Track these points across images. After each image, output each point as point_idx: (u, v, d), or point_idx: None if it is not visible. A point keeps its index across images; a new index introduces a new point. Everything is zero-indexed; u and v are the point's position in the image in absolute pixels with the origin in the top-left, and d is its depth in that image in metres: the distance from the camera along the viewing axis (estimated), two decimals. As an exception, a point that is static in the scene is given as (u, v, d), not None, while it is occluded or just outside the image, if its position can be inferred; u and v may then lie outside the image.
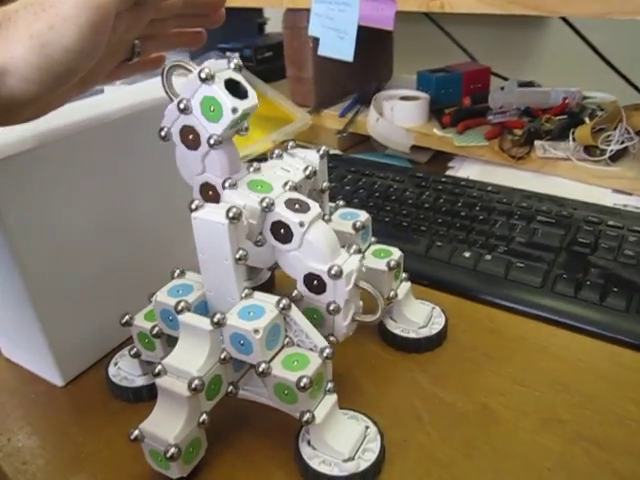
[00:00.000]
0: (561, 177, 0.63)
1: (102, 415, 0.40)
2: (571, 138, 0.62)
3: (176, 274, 0.38)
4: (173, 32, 0.42)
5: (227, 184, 0.35)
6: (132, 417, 0.39)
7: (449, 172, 0.71)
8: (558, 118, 0.66)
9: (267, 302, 0.34)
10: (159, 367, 0.33)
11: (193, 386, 0.32)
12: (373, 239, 0.45)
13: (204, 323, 0.33)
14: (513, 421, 0.37)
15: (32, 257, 0.38)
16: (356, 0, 0.69)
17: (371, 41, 0.75)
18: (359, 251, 0.37)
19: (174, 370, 0.33)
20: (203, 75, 0.32)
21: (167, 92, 0.35)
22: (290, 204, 0.35)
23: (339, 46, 0.73)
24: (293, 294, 0.36)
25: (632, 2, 0.52)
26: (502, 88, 0.72)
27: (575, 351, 0.43)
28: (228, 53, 0.98)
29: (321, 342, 0.34)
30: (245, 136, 0.89)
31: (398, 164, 0.76)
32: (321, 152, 0.41)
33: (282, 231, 0.35)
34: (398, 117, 0.73)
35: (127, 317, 0.38)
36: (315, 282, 0.36)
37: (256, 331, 0.32)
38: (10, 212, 0.36)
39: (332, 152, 0.80)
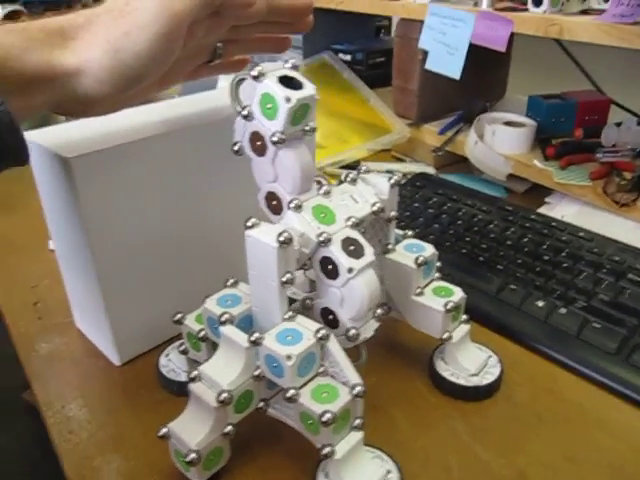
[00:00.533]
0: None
1: (147, 402, 0.42)
2: (687, 192, 0.56)
3: (229, 283, 0.39)
4: (258, 37, 0.42)
5: (292, 205, 0.35)
6: (173, 409, 0.40)
7: (544, 208, 0.66)
8: (677, 167, 0.59)
9: (307, 329, 0.34)
10: (195, 372, 0.35)
11: (221, 398, 0.33)
12: (437, 275, 0.44)
13: (242, 339, 0.34)
14: (549, 499, 0.35)
15: (104, 245, 0.41)
16: (472, 17, 0.67)
17: (486, 57, 0.71)
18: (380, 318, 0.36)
19: (207, 379, 0.34)
20: (255, 73, 0.33)
21: (234, 104, 0.36)
22: (346, 244, 0.34)
23: (447, 62, 0.71)
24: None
25: None
26: (618, 124, 0.66)
27: (638, 432, 0.39)
28: (323, 54, 0.97)
29: (354, 378, 0.34)
30: (342, 140, 0.89)
31: (491, 192, 0.73)
32: (392, 181, 0.40)
33: (330, 267, 0.35)
34: (499, 143, 0.70)
35: (179, 316, 0.40)
36: (331, 317, 0.36)
37: (289, 357, 0.32)
38: (88, 203, 0.39)
39: (424, 171, 0.78)
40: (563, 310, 0.47)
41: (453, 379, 0.42)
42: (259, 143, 0.35)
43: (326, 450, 0.33)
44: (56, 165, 0.38)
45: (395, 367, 0.45)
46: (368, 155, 0.80)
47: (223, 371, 0.34)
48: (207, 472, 0.35)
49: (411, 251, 0.42)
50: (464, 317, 0.43)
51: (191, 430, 0.34)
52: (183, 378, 0.42)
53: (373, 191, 0.40)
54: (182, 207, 0.45)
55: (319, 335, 0.33)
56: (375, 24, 1.13)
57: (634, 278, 0.50)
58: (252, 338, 0.33)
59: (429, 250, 0.42)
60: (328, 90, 0.90)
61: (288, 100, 0.33)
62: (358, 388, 0.33)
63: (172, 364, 0.44)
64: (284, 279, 0.33)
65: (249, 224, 0.34)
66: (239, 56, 0.44)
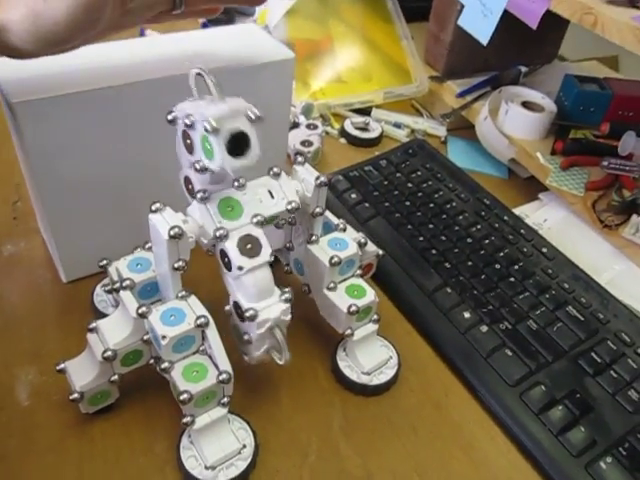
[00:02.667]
0: (636, 265, 0.54)
1: (76, 325, 0.45)
2: (670, 232, 0.52)
3: (146, 247, 0.41)
4: None
5: (199, 196, 0.36)
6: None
7: (533, 204, 0.64)
8: (676, 199, 0.55)
9: (192, 312, 0.37)
10: (93, 324, 0.38)
11: (105, 355, 0.37)
12: (359, 272, 0.45)
13: (132, 309, 0.37)
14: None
15: (48, 178, 0.43)
16: (513, -20, 0.60)
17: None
18: (287, 300, 0.37)
19: (101, 334, 0.38)
20: (208, 128, 0.32)
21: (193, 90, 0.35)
22: (243, 242, 0.36)
23: (479, 23, 0.65)
24: (226, 308, 0.39)
25: None
26: (642, 133, 0.61)
27: (498, 465, 0.41)
28: None
29: (223, 365, 0.37)
30: (364, 78, 0.86)
31: (493, 171, 0.70)
32: (318, 182, 0.40)
33: (226, 260, 0.36)
34: (509, 124, 0.65)
35: (104, 262, 0.43)
36: (238, 311, 0.37)
37: (164, 337, 0.35)
38: (32, 142, 0.41)
39: (435, 131, 0.75)
40: (484, 328, 0.48)
41: (347, 371, 0.45)
42: (189, 142, 0.35)
43: (186, 419, 0.37)
44: (4, 103, 0.40)
45: (304, 346, 0.47)
46: (384, 102, 0.76)
47: (115, 330, 0.38)
48: (93, 407, 0.40)
49: (333, 247, 0.43)
50: (375, 317, 0.45)
51: (80, 373, 0.38)
52: (109, 312, 0.47)
53: (296, 187, 0.40)
54: (129, 151, 0.46)
55: (198, 322, 0.36)
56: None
57: (571, 311, 0.49)
58: (140, 311, 0.36)
59: (351, 250, 0.43)
60: (369, 17, 0.85)
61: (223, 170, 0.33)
62: (224, 375, 0.36)
63: (103, 295, 0.48)
64: (175, 265, 0.36)
65: (153, 208, 0.36)
66: (203, 6, 0.43)
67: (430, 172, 0.63)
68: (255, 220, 0.37)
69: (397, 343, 0.47)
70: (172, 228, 0.34)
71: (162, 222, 0.35)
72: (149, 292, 0.41)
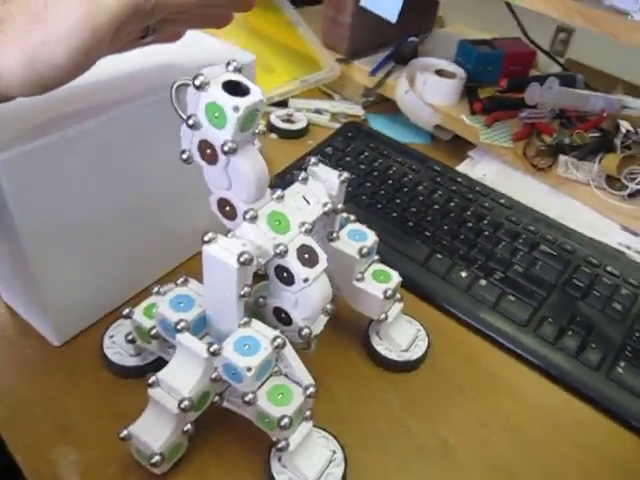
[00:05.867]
0: (576, 200, 0.62)
1: (93, 385, 0.42)
2: (597, 163, 0.60)
3: (179, 282, 0.39)
4: (196, 14, 0.39)
5: (248, 216, 0.35)
6: (122, 393, 0.42)
7: (467, 162, 0.70)
8: (590, 135, 0.64)
9: (264, 337, 0.35)
10: (153, 378, 0.35)
11: (182, 406, 0.34)
12: (376, 257, 0.46)
13: (200, 349, 0.35)
14: (467, 464, 0.41)
15: (33, 226, 0.38)
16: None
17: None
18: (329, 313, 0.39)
19: (166, 386, 0.35)
20: (197, 83, 0.31)
21: (177, 111, 0.34)
22: (301, 253, 0.35)
23: (384, 2, 0.68)
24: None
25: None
26: (542, 82, 0.69)
27: (539, 397, 0.46)
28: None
29: (306, 379, 0.36)
30: (268, 69, 0.85)
31: (417, 139, 0.74)
32: (342, 178, 0.40)
33: (285, 275, 0.36)
34: (429, 92, 0.70)
35: (127, 310, 0.40)
36: (283, 315, 0.38)
37: (249, 369, 0.34)
38: (14, 195, 0.36)
39: (353, 110, 0.77)
40: (483, 282, 0.52)
41: (386, 353, 0.46)
42: (209, 151, 0.34)
43: (281, 444, 0.36)
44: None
45: (332, 339, 0.48)
46: (302, 90, 0.77)
47: (182, 377, 0.35)
48: (168, 464, 0.37)
49: (354, 239, 0.44)
50: (398, 296, 0.47)
51: (153, 433, 0.35)
52: (131, 362, 0.43)
53: (323, 188, 0.40)
54: (117, 184, 0.42)
55: (275, 344, 0.35)
56: None
57: (545, 249, 0.55)
58: (211, 350, 0.34)
59: (371, 238, 0.44)
60: (255, 9, 0.83)
61: (236, 109, 0.31)
62: (311, 389, 0.36)
63: (117, 346, 0.44)
64: (242, 293, 0.34)
65: (206, 239, 0.33)
66: (174, 30, 0.40)
67: (376, 151, 0.65)
68: (304, 229, 0.37)
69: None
70: (242, 255, 0.32)
71: (223, 251, 0.33)
72: (197, 330, 0.38)
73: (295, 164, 0.63)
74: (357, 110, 0.78)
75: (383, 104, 0.78)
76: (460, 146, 0.72)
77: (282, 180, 0.61)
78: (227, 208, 0.36)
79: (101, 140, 0.39)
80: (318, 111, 0.76)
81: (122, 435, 0.36)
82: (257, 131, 0.34)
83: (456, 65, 0.73)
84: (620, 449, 0.43)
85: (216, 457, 0.39)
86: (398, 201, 0.59)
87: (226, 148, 0.32)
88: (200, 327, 0.38)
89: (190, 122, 0.33)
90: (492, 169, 0.67)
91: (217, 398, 0.38)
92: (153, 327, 0.39)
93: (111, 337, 0.44)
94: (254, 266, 0.34)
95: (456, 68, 0.72)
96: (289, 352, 0.36)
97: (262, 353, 0.34)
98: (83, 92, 0.39)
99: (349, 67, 0.78)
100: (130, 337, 0.41)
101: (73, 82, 0.31)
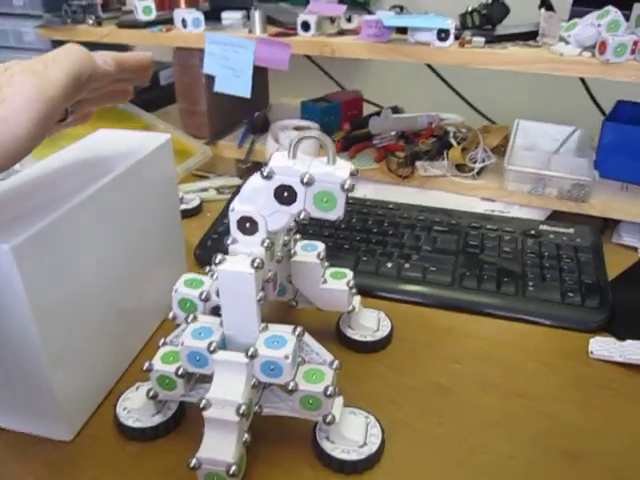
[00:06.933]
0: (440, 191, 0.77)
1: (123, 461, 0.43)
2: (446, 159, 0.76)
3: (190, 319, 0.43)
4: (105, 91, 0.45)
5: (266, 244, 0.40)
6: (155, 454, 0.43)
7: (346, 191, 0.82)
8: (431, 141, 0.80)
9: (285, 332, 0.41)
10: (204, 401, 0.39)
11: (241, 412, 0.38)
12: (327, 264, 0.54)
13: (239, 357, 0.39)
14: (461, 391, 0.49)
15: (50, 321, 0.40)
16: (251, 44, 0.76)
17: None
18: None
19: (219, 402, 0.38)
20: (346, 186, 0.38)
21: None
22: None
23: (236, 84, 0.79)
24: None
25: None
26: (379, 114, 0.85)
27: (490, 331, 0.57)
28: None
29: (329, 357, 0.42)
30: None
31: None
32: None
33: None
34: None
35: (147, 364, 0.42)
36: None
37: (286, 357, 0.39)
38: (27, 287, 0.38)
39: (231, 182, 0.86)
40: (407, 265, 0.62)
41: (363, 339, 0.54)
42: (286, 194, 0.39)
43: (329, 418, 0.41)
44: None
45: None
46: (185, 176, 0.83)
47: (230, 389, 0.39)
48: (238, 478, 0.39)
49: (308, 250, 0.51)
50: (354, 290, 0.55)
51: (221, 449, 0.38)
52: (155, 422, 0.44)
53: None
54: (113, 254, 0.47)
55: (297, 333, 0.41)
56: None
57: (439, 228, 0.68)
58: (249, 353, 0.39)
59: (320, 245, 0.52)
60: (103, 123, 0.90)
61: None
62: (336, 363, 0.42)
63: (133, 413, 0.45)
64: (258, 297, 0.40)
65: (217, 261, 0.39)
66: (86, 110, 0.46)
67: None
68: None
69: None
70: (254, 261, 0.38)
71: (235, 264, 0.39)
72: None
73: (211, 229, 0.70)
74: (235, 180, 0.86)
75: (257, 167, 0.88)
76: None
77: (205, 249, 0.67)
78: (247, 225, 0.40)
79: (94, 211, 0.44)
80: (204, 189, 0.83)
81: (192, 464, 0.38)
82: None
83: (307, 121, 0.87)
84: (552, 344, 0.55)
85: (269, 467, 0.42)
86: (311, 231, 0.68)
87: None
88: (223, 348, 0.42)
89: (305, 180, 0.38)
90: (369, 189, 0.80)
91: (257, 408, 0.42)
92: (178, 368, 0.42)
93: (125, 409, 0.45)
94: (265, 270, 0.40)
95: (309, 123, 0.86)
96: (308, 337, 0.42)
97: (290, 343, 0.40)
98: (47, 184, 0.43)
99: (217, 147, 0.87)
100: (152, 393, 0.43)
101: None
